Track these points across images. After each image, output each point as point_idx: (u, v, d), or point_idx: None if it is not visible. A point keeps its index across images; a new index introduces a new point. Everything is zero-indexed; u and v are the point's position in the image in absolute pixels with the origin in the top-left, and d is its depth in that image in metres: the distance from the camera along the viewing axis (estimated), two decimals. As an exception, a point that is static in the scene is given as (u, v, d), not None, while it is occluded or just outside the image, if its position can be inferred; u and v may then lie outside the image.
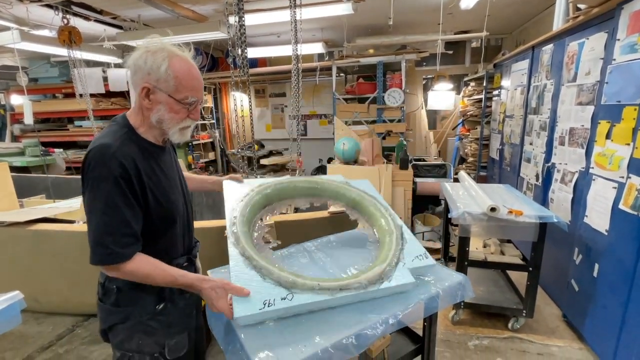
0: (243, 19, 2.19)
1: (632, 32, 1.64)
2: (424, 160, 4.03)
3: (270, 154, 4.72)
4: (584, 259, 1.97)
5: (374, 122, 4.13)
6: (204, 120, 5.43)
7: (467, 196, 2.21)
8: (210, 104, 5.69)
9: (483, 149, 4.18)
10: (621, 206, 1.65)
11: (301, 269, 1.13)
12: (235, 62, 2.35)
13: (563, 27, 2.30)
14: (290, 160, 3.46)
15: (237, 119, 2.53)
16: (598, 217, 1.83)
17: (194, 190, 1.31)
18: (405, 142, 3.73)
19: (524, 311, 2.04)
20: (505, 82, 3.55)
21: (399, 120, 4.03)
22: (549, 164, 2.46)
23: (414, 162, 3.77)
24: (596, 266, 1.83)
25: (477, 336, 2.07)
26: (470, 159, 4.47)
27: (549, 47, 2.55)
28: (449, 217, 2.01)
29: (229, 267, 0.98)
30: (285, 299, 0.91)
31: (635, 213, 1.55)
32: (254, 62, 5.32)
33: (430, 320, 1.24)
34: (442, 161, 4.05)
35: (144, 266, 0.88)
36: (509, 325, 2.10)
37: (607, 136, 1.79)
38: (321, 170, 5.20)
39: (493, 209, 1.83)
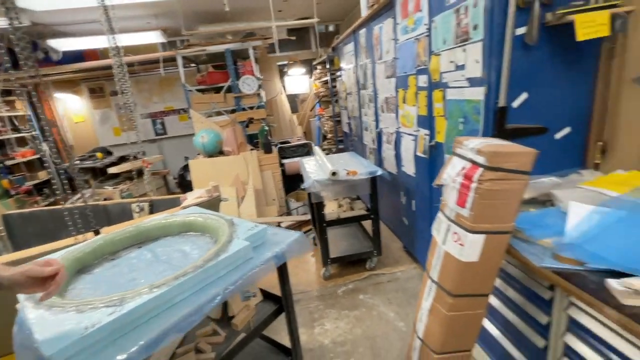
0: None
1: (404, 17, 2.10)
2: (288, 142, 4.26)
3: (122, 160, 4.14)
4: (406, 199, 2.51)
5: (234, 111, 4.09)
6: (18, 132, 4.29)
7: (317, 167, 2.48)
8: (24, 111, 4.51)
9: (337, 125, 4.71)
10: (418, 153, 2.15)
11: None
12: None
13: (368, 14, 2.75)
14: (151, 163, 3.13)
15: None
16: (408, 164, 2.35)
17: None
18: (267, 128, 3.84)
19: (375, 252, 2.47)
20: (342, 64, 4.04)
21: (259, 107, 4.11)
22: (378, 129, 2.98)
23: (279, 145, 3.95)
24: (413, 202, 2.36)
25: (344, 283, 2.41)
26: (329, 135, 4.98)
27: (362, 32, 3.02)
28: (302, 187, 2.22)
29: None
30: (112, 313, 0.84)
31: (426, 156, 2.05)
32: (79, 56, 4.46)
33: (283, 280, 1.38)
34: (306, 141, 4.38)
35: None
36: (367, 266, 2.52)
37: (404, 101, 2.29)
38: (187, 168, 4.88)
39: (334, 173, 2.11)
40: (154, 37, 4.03)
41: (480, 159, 0.99)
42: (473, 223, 1.02)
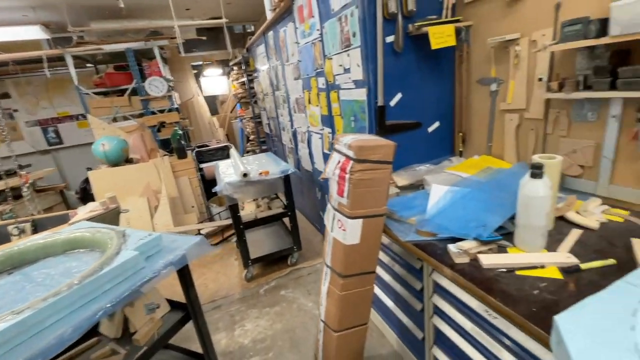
0: None
1: (301, 22, 2.21)
2: (206, 146, 4.11)
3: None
4: (320, 194, 2.65)
5: (142, 115, 3.79)
6: None
7: (231, 169, 2.46)
8: None
9: (259, 126, 4.70)
10: (325, 150, 2.30)
11: None
12: None
13: (272, 18, 2.81)
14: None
15: None
16: (319, 161, 2.49)
17: None
18: (180, 132, 3.66)
19: (295, 247, 2.56)
20: (257, 65, 4.05)
21: (170, 110, 3.88)
22: (293, 129, 3.08)
23: (196, 149, 3.79)
24: (326, 197, 2.51)
25: (267, 282, 2.45)
26: (252, 137, 4.94)
27: (270, 34, 3.08)
28: (213, 191, 2.19)
29: None
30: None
31: (330, 153, 2.20)
32: None
33: (186, 286, 1.36)
34: (226, 143, 4.27)
35: None
36: (289, 262, 2.60)
37: (309, 101, 2.41)
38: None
39: (245, 175, 2.13)
40: (34, 33, 3.50)
41: (351, 153, 1.12)
42: (351, 210, 1.15)
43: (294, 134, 3.07)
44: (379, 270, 1.58)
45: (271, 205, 2.66)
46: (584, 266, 0.86)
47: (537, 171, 0.92)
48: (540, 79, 1.29)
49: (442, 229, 1.10)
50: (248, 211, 2.51)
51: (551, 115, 1.32)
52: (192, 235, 1.37)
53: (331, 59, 1.88)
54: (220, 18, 4.19)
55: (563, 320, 0.64)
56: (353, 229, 1.17)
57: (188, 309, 1.41)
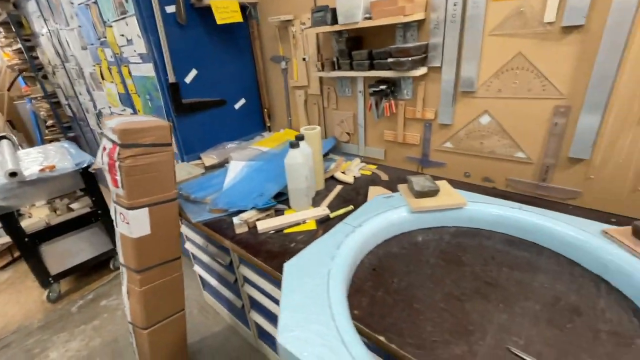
0: None
1: (68, -23, 1.78)
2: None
3: None
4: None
5: None
6: None
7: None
8: None
9: (58, 108, 3.71)
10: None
11: None
12: None
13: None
14: None
15: None
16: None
17: None
18: None
19: (115, 248, 2.23)
20: (34, 27, 3.09)
21: None
22: (97, 111, 2.56)
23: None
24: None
25: (82, 297, 2.06)
26: (50, 122, 3.88)
27: (38, -14, 2.37)
28: (-39, 201, 1.62)
29: None
30: None
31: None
32: None
33: None
34: (5, 133, 3.19)
35: None
36: (111, 266, 2.26)
37: (102, 77, 2.03)
38: None
39: (13, 174, 1.65)
40: None
41: (115, 138, 1.00)
42: (129, 200, 1.05)
43: (99, 117, 2.57)
44: (199, 253, 1.56)
45: (74, 205, 2.19)
46: (332, 215, 1.07)
47: (294, 142, 1.06)
48: (304, 59, 1.47)
49: (230, 204, 1.14)
50: (37, 218, 1.99)
51: (325, 91, 1.54)
52: None
53: (111, 26, 1.60)
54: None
55: (288, 265, 0.77)
56: (137, 220, 1.08)
57: None
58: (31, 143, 4.22)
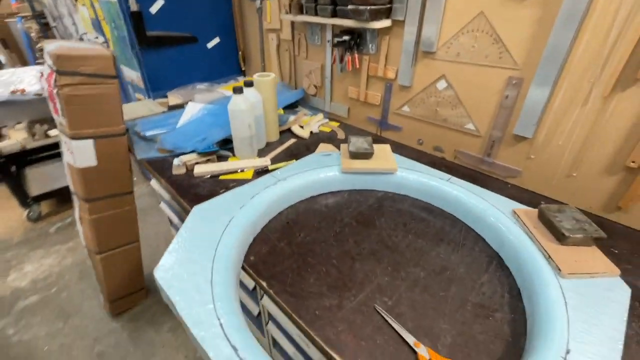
0: None
1: None
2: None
3: None
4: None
5: None
6: None
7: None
8: None
9: (48, 30, 3.58)
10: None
11: None
12: None
13: None
14: None
15: None
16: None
17: None
18: None
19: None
20: None
21: None
22: (79, 36, 2.47)
23: None
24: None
25: (62, 219, 2.18)
26: (40, 45, 3.77)
27: None
28: None
29: None
30: None
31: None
32: None
33: None
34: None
35: None
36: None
37: (76, -2, 1.91)
38: None
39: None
40: None
41: (51, 62, 0.97)
42: (72, 130, 1.06)
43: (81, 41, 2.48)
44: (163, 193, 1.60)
45: (51, 132, 2.22)
46: (272, 167, 1.07)
47: (237, 87, 1.02)
48: (269, -2, 1.36)
49: (174, 145, 1.15)
50: (14, 140, 2.04)
51: (296, 37, 1.45)
52: None
53: (74, -60, 1.47)
54: None
55: (197, 208, 0.79)
56: (81, 150, 1.09)
57: None
58: (24, 64, 4.16)
